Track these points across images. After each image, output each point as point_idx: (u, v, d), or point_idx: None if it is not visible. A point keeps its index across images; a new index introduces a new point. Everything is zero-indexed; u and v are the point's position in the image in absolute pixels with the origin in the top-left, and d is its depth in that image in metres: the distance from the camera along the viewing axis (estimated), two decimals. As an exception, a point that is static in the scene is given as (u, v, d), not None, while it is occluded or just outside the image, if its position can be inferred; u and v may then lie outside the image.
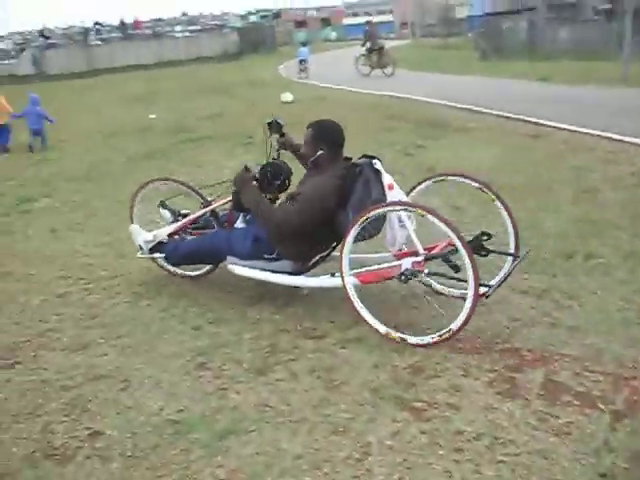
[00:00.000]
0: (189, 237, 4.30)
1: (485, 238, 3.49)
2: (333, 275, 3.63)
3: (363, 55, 20.71)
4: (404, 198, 3.62)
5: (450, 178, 3.88)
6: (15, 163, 9.62)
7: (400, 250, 3.50)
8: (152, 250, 4.25)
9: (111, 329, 3.68)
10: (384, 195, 3.52)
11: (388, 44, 23.23)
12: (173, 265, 4.35)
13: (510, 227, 3.65)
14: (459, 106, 11.88)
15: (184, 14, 77.46)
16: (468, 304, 3.08)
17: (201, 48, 40.39)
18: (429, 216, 3.17)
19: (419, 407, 2.72)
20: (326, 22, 78.29)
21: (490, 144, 8.23)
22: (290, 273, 3.77)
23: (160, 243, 4.24)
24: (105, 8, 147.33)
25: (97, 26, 46.36)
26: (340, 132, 3.77)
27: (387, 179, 3.56)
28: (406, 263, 3.31)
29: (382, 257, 3.70)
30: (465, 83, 16.53)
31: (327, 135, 3.74)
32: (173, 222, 4.33)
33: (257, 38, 40.72)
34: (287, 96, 13.80)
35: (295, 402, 2.80)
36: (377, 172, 3.59)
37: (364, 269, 3.46)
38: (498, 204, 3.64)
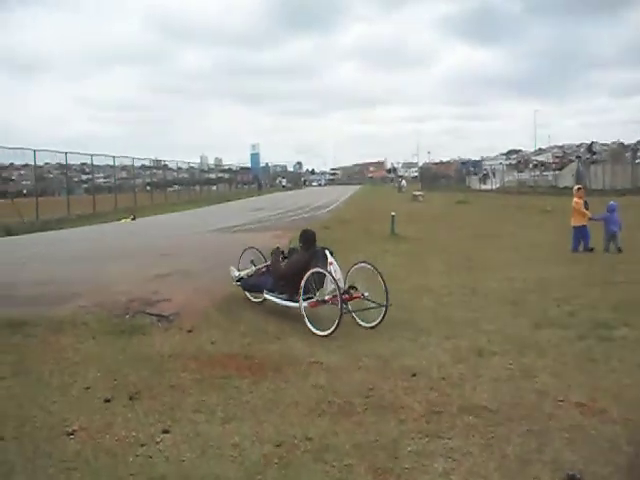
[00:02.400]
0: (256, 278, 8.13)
1: (353, 289, 7.08)
2: (297, 301, 7.10)
3: None
4: (337, 271, 7.01)
5: (362, 265, 7.27)
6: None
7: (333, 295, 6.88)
8: (238, 281, 8.25)
9: None
10: (325, 266, 6.99)
11: None
12: (244, 290, 8.23)
13: (384, 288, 6.92)
14: None
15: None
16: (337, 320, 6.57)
17: None
18: (330, 278, 6.84)
19: None
20: None
21: None
22: (287, 300, 7.42)
23: (242, 278, 8.23)
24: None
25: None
26: (311, 234, 7.62)
27: (330, 259, 7.09)
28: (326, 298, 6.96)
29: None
30: None
31: (304, 237, 7.56)
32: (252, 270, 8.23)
33: None
34: None
35: None
36: (325, 255, 7.15)
37: (310, 300, 7.03)
38: (379, 278, 6.99)
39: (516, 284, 9.34)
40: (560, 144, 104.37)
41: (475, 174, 63.40)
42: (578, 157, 54.48)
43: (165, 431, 4.14)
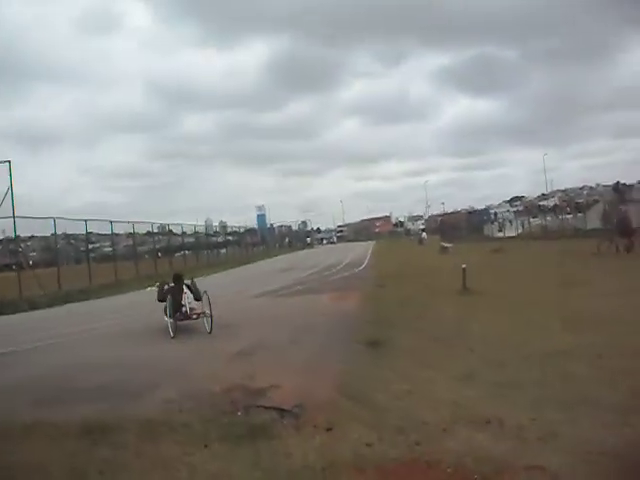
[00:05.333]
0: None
1: (184, 305, 11.10)
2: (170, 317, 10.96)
3: None
4: (189, 297, 11.10)
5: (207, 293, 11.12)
6: None
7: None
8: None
9: None
10: (182, 293, 11.23)
11: None
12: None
13: (208, 304, 10.68)
14: None
15: None
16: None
17: None
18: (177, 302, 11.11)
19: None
20: None
21: None
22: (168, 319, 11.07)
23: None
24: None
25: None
26: (177, 274, 11.84)
27: (185, 290, 11.22)
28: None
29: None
30: None
31: (174, 276, 11.69)
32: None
33: None
34: None
35: None
36: (183, 285, 11.46)
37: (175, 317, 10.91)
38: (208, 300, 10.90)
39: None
40: (562, 188, 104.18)
41: (492, 222, 62.41)
42: (605, 200, 53.54)
43: None
